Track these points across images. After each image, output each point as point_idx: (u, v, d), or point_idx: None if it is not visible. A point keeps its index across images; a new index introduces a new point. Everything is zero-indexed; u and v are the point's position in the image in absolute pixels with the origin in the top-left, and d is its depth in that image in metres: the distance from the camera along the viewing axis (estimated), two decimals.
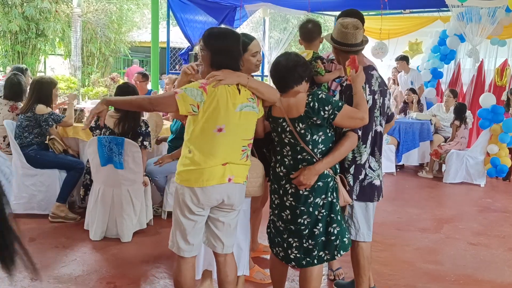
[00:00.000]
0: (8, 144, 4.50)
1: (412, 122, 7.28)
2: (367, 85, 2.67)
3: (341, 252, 2.62)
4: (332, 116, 2.45)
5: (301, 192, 2.51)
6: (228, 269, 2.61)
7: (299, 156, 2.52)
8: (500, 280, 3.60)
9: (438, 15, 8.62)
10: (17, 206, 4.35)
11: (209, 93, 2.36)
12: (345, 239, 2.62)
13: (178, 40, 10.19)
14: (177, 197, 2.48)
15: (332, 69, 3.12)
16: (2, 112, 4.65)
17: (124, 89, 4.05)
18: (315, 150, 2.49)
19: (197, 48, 8.26)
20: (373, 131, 2.75)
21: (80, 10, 14.98)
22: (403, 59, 8.21)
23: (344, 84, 2.74)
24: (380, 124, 2.79)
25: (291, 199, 2.55)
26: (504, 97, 7.18)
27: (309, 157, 2.50)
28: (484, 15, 6.71)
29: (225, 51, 2.43)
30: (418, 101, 7.85)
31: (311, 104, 2.45)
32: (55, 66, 16.82)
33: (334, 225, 2.58)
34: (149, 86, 6.63)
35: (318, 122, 2.46)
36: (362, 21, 2.96)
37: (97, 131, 4.04)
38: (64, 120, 4.41)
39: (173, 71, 8.75)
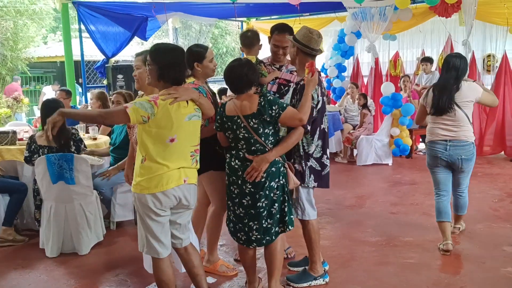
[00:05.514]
0: None
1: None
2: (319, 88, 3.13)
3: (290, 226, 3.06)
4: (277, 115, 2.90)
5: (257, 180, 2.90)
6: (191, 257, 2.93)
7: (253, 148, 2.93)
8: (422, 238, 4.28)
9: (334, 15, 9.38)
10: None
11: (160, 106, 2.60)
12: (292, 216, 3.09)
13: (91, 53, 10.04)
14: (140, 205, 2.69)
15: (269, 72, 3.51)
16: None
17: (52, 105, 4.05)
18: (267, 142, 2.92)
19: (112, 60, 8.30)
20: (321, 128, 3.21)
21: None
22: None
23: (301, 83, 3.15)
24: (326, 124, 3.26)
25: (250, 186, 2.94)
26: (400, 84, 8.15)
27: (261, 148, 2.92)
28: (376, 14, 7.57)
29: (172, 65, 2.67)
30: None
31: (262, 103, 2.89)
32: None
33: (286, 204, 3.03)
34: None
35: (268, 120, 2.89)
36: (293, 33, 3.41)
37: (35, 156, 4.08)
38: None
39: (89, 85, 8.68)
